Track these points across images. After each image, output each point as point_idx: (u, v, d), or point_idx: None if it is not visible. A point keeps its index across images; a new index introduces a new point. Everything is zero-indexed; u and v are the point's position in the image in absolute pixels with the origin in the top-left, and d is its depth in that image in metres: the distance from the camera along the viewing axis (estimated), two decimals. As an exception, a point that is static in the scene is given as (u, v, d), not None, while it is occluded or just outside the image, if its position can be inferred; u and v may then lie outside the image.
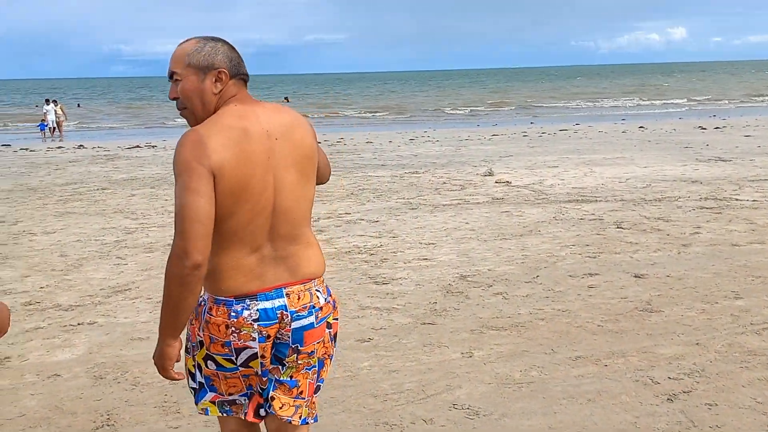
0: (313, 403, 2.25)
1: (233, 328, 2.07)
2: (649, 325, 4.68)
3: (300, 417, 2.20)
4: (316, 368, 2.21)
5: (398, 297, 5.53)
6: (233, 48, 2.16)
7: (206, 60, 2.08)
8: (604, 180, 11.77)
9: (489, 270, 6.30)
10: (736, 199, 9.47)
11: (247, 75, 2.17)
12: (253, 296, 2.09)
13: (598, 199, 9.98)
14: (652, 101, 40.54)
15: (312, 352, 2.18)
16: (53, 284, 6.34)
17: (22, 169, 15.90)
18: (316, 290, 2.19)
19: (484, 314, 5.04)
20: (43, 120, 27.52)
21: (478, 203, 9.94)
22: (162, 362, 2.12)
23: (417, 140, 20.65)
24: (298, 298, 2.13)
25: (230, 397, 2.20)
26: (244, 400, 2.20)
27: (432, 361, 4.18)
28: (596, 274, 6.01)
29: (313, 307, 2.16)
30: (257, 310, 2.08)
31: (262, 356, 2.12)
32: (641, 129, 21.78)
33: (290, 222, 2.13)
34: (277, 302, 2.10)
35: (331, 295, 2.26)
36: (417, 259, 6.82)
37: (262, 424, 2.32)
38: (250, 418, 2.20)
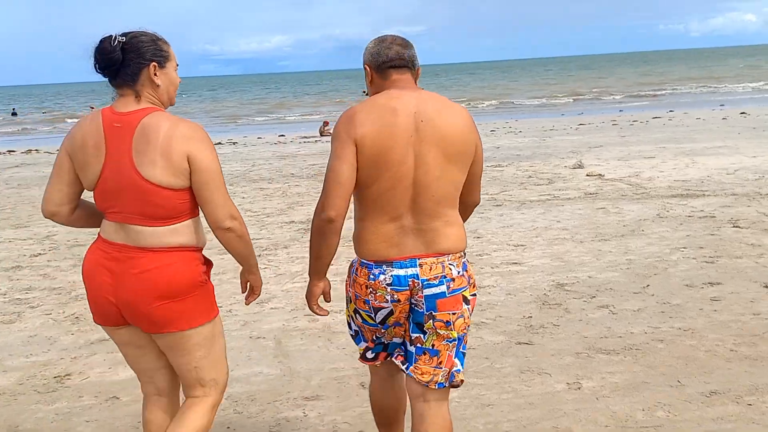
0: (458, 375, 2.39)
1: (371, 289, 2.33)
2: (797, 351, 3.88)
3: (435, 383, 2.37)
4: (456, 342, 2.35)
5: (487, 309, 4.90)
6: (384, 41, 2.40)
7: (363, 60, 2.44)
8: (709, 171, 10.69)
9: (589, 277, 5.57)
10: None
11: (396, 61, 2.36)
12: (390, 263, 2.29)
13: (705, 193, 8.99)
14: (745, 84, 37.90)
15: (449, 322, 2.32)
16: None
17: None
18: (450, 263, 2.32)
19: (590, 333, 4.35)
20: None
21: (570, 199, 9.13)
22: (308, 298, 2.48)
23: (498, 131, 19.81)
24: (430, 269, 2.30)
25: (376, 347, 2.51)
26: (377, 352, 2.50)
27: (533, 393, 3.54)
28: (718, 284, 5.18)
29: (445, 277, 2.30)
30: (391, 275, 2.29)
31: (393, 313, 2.35)
32: (743, 115, 20.14)
33: (430, 198, 2.28)
34: (410, 270, 2.28)
35: (467, 271, 2.38)
36: (506, 263, 6.15)
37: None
38: (381, 360, 2.52)
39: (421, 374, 2.36)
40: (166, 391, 2.52)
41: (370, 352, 2.52)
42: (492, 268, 6.01)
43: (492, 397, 3.51)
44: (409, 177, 2.27)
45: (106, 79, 2.29)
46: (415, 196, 2.29)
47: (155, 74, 2.28)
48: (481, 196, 2.63)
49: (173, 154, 2.19)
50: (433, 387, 2.36)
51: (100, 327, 2.48)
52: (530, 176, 11.49)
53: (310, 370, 3.94)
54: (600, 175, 10.99)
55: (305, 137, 20.43)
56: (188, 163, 2.20)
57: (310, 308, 2.50)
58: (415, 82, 2.41)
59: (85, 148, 2.26)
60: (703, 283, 5.22)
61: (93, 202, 2.39)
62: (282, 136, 21.77)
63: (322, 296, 2.50)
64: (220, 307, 5.45)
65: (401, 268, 2.30)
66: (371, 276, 2.33)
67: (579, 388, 3.56)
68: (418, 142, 2.27)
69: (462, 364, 2.40)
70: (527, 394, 3.53)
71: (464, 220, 2.47)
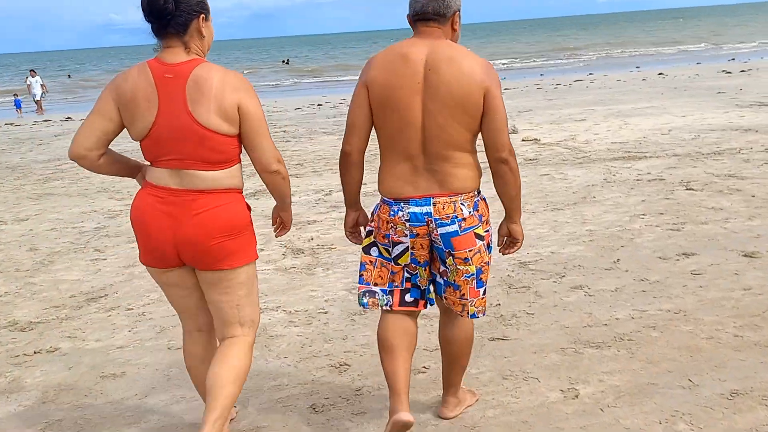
0: (482, 301, 2.58)
1: (391, 224, 2.50)
2: (804, 332, 3.39)
3: (468, 313, 2.57)
4: (475, 276, 2.50)
5: (447, 296, 4.23)
6: None
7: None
8: (644, 132, 10.37)
9: (552, 253, 4.98)
10: (810, 149, 8.11)
11: (424, 14, 2.42)
12: (407, 200, 2.45)
13: (646, 154, 8.61)
14: (659, 49, 38.69)
15: (467, 258, 2.46)
16: (14, 291, 5.04)
17: (3, 146, 14.51)
18: (461, 203, 2.43)
19: (570, 321, 3.74)
20: (16, 95, 25.87)
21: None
22: (345, 225, 2.71)
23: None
24: (443, 208, 2.43)
25: (372, 288, 2.58)
26: (384, 295, 2.57)
27: (524, 407, 2.88)
28: (693, 254, 4.68)
29: (456, 217, 2.43)
30: (408, 212, 2.45)
31: (413, 248, 2.50)
32: (661, 76, 20.22)
33: (439, 143, 2.39)
34: (425, 209, 2.43)
35: (477, 210, 2.48)
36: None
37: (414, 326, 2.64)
38: (397, 307, 2.57)
39: (452, 304, 2.58)
40: (206, 327, 2.63)
41: (409, 294, 2.59)
42: (443, 246, 5.33)
43: (476, 416, 2.83)
44: (417, 122, 2.38)
45: (151, 31, 2.34)
46: (424, 139, 2.40)
47: (203, 25, 2.36)
48: None
49: (225, 103, 2.28)
50: (466, 316, 2.59)
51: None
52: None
53: (247, 392, 3.15)
54: (536, 139, 10.50)
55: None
56: (238, 111, 2.30)
57: (346, 235, 2.73)
58: (453, 32, 2.48)
59: (135, 100, 2.30)
60: (677, 254, 4.72)
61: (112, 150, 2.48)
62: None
63: (361, 228, 2.70)
64: (131, 309, 4.75)
65: (417, 205, 2.43)
66: (391, 212, 2.48)
67: (577, 397, 2.92)
68: (425, 90, 2.36)
69: (484, 294, 2.60)
70: (517, 408, 2.87)
71: (499, 184, 2.49)
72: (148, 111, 2.30)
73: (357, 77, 2.56)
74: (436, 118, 2.36)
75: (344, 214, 2.69)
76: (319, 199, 7.40)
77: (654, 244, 4.97)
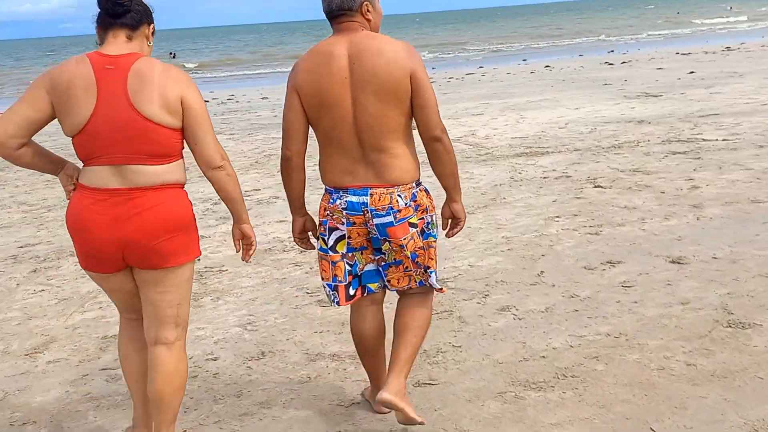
0: (425, 274, 2.58)
1: (329, 212, 2.52)
2: (760, 354, 3.04)
3: (416, 282, 2.59)
4: (410, 258, 2.52)
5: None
6: None
7: None
8: (541, 127, 10.19)
9: (470, 266, 4.50)
10: (704, 139, 8.11)
11: (337, 13, 2.44)
12: (345, 189, 2.46)
13: (548, 150, 8.37)
14: (535, 43, 39.75)
15: (402, 245, 2.49)
16: None
17: None
18: (398, 195, 2.45)
19: (502, 353, 3.23)
20: None
21: None
22: (292, 231, 2.69)
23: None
24: (379, 199, 2.45)
25: (323, 283, 2.61)
26: (330, 290, 2.58)
27: (466, 483, 2.32)
28: (619, 262, 4.32)
29: (392, 208, 2.45)
30: (346, 201, 2.47)
31: (349, 237, 2.50)
32: (548, 68, 20.49)
33: (373, 133, 2.41)
34: (362, 198, 2.45)
35: (414, 201, 2.50)
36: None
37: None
38: (343, 302, 2.58)
39: (397, 282, 2.58)
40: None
41: (351, 287, 2.56)
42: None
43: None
44: (349, 116, 2.39)
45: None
46: (358, 132, 2.40)
47: (150, 36, 2.38)
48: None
49: (169, 95, 2.22)
50: (414, 286, 2.58)
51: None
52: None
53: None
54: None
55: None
56: (181, 104, 2.25)
57: (295, 242, 2.69)
58: (367, 22, 2.46)
59: (71, 90, 2.19)
60: (602, 262, 4.34)
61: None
62: None
63: (310, 233, 2.67)
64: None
65: (354, 195, 2.44)
66: (330, 200, 2.49)
67: (527, 463, 2.40)
68: (353, 84, 2.36)
69: (424, 271, 2.57)
70: (459, 485, 2.31)
71: (435, 163, 2.49)
72: (85, 103, 2.19)
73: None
74: (368, 109, 2.36)
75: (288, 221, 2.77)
76: (207, 210, 6.59)
77: (576, 252, 4.59)
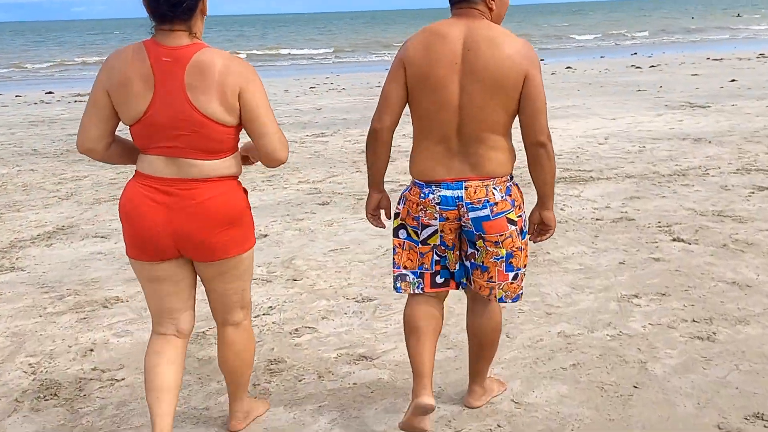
0: (511, 286, 2.41)
1: (422, 207, 2.35)
2: None
3: (496, 296, 2.43)
4: (504, 259, 2.35)
5: None
6: None
7: None
8: (576, 141, 8.32)
9: (515, 404, 2.67)
10: (792, 170, 6.23)
11: (455, 0, 2.30)
12: (438, 183, 2.30)
13: (592, 174, 6.51)
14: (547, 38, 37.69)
15: (497, 242, 2.32)
16: None
17: None
18: (494, 188, 2.29)
19: None
20: None
21: None
22: (366, 207, 2.55)
23: (318, 88, 16.58)
24: (475, 192, 2.28)
25: (403, 271, 2.43)
26: (415, 278, 2.43)
27: None
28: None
29: (488, 201, 2.28)
30: (439, 195, 2.30)
31: (442, 231, 2.35)
32: (570, 70, 18.59)
33: (475, 124, 2.24)
34: (456, 193, 2.29)
35: (510, 195, 2.32)
36: (356, 357, 3.11)
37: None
38: (428, 289, 2.43)
39: (479, 288, 2.42)
40: (183, 334, 2.38)
41: (439, 276, 2.43)
42: (342, 355, 2.93)
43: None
44: (453, 102, 2.25)
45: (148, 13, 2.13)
46: (460, 121, 2.26)
47: (205, 5, 2.21)
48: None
49: (227, 91, 2.11)
50: (494, 300, 2.44)
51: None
52: (362, 151, 8.49)
53: None
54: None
55: (80, 95, 15.73)
56: (240, 98, 2.13)
57: (367, 218, 2.55)
58: (493, 13, 2.32)
59: (129, 81, 2.11)
60: (746, 416, 2.50)
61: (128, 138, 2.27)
62: (50, 93, 16.61)
63: (383, 212, 2.53)
64: None
65: (448, 189, 2.29)
66: (422, 195, 2.33)
67: None
68: (463, 71, 2.23)
69: (514, 279, 2.41)
70: None
71: (535, 169, 2.32)
72: (142, 94, 2.09)
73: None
74: (474, 99, 2.22)
75: (365, 197, 2.67)
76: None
77: (689, 383, 2.74)
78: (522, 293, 2.45)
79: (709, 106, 10.57)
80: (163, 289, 2.28)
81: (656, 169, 6.60)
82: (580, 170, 6.74)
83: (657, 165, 6.79)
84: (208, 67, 2.07)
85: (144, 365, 2.33)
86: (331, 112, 12.16)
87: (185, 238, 2.16)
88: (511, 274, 2.38)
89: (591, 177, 6.44)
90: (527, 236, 2.42)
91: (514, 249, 2.34)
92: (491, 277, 2.37)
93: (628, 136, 8.46)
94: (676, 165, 6.73)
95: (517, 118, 2.28)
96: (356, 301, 3.77)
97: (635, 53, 23.76)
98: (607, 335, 3.18)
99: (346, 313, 3.62)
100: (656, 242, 4.48)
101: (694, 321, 3.27)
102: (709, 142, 7.80)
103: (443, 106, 2.24)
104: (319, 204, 5.98)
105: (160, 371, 2.27)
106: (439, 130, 2.27)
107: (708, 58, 19.29)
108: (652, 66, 17.95)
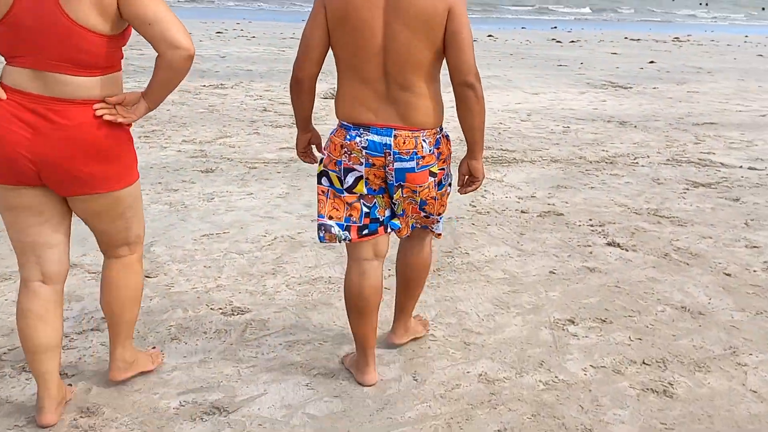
0: (426, 220, 2.37)
1: (346, 149, 2.20)
2: None
3: (415, 226, 2.39)
4: (417, 204, 2.29)
5: None
6: None
7: None
8: (497, 116, 7.63)
9: None
10: (723, 164, 5.75)
11: None
12: (367, 127, 2.17)
13: (515, 157, 5.81)
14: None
15: (415, 191, 2.25)
16: None
17: None
18: (423, 140, 2.19)
19: None
20: None
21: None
22: (296, 147, 2.45)
23: (226, 34, 15.15)
24: (404, 142, 2.17)
25: (328, 222, 2.28)
26: (340, 230, 2.27)
27: None
28: None
29: (416, 153, 2.19)
30: (367, 140, 2.17)
31: (367, 178, 2.21)
32: (491, 38, 17.94)
33: (400, 67, 2.11)
34: (385, 139, 2.16)
35: (438, 148, 2.23)
36: (206, 408, 2.22)
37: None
38: (356, 239, 2.29)
39: (399, 232, 2.36)
40: (52, 279, 2.04)
41: (366, 230, 2.29)
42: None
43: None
44: (377, 42, 2.11)
45: None
46: (386, 61, 2.13)
47: None
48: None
49: None
50: (405, 233, 2.37)
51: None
52: (265, 108, 7.46)
53: None
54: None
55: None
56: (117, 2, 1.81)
57: (299, 156, 2.46)
58: None
59: None
60: None
61: None
62: None
63: (314, 147, 2.45)
64: None
65: (377, 134, 2.18)
66: (348, 137, 2.20)
67: None
68: (386, 6, 2.08)
69: (426, 215, 2.36)
70: None
71: (464, 113, 2.18)
72: None
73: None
74: (399, 37, 2.08)
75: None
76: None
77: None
78: (442, 222, 2.45)
79: (630, 87, 10.16)
80: (23, 220, 1.96)
81: (583, 154, 5.99)
82: (502, 150, 6.03)
83: (583, 149, 6.18)
84: None
85: (17, 322, 2.04)
86: (235, 62, 10.94)
87: (48, 166, 1.86)
88: (423, 213, 2.34)
89: (514, 158, 5.75)
90: (446, 187, 2.35)
91: (428, 198, 2.29)
92: (407, 218, 2.34)
93: (552, 114, 7.84)
94: (603, 150, 6.14)
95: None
96: (222, 313, 2.87)
97: (555, 27, 23.45)
98: (540, 382, 2.44)
99: (205, 333, 2.72)
100: (589, 246, 3.81)
101: (644, 363, 2.59)
102: (635, 126, 7.29)
103: (367, 48, 2.11)
104: (202, 171, 4.97)
105: (30, 333, 2.00)
106: (364, 72, 2.14)
107: (626, 38, 19.16)
108: (572, 41, 17.60)
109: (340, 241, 2.29)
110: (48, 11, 1.77)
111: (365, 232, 2.28)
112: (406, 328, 2.61)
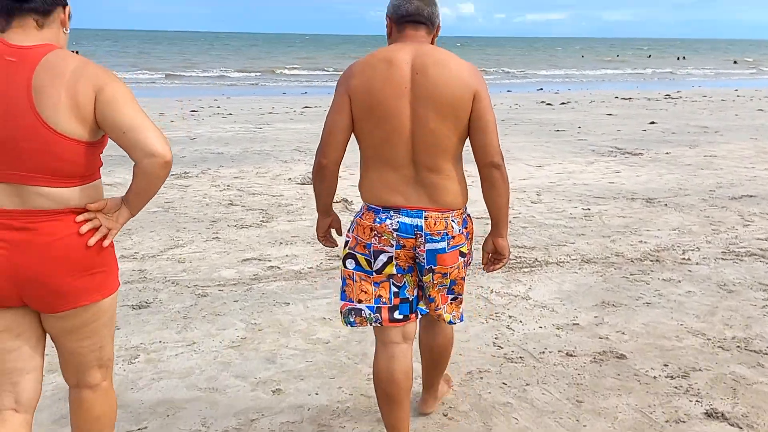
0: (452, 307, 2.31)
1: (375, 232, 2.17)
2: None
3: (446, 321, 2.32)
4: (447, 287, 2.25)
5: None
6: None
7: (388, 9, 2.21)
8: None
9: None
10: (793, 257, 4.56)
11: (413, 16, 2.15)
12: (397, 209, 2.15)
13: (535, 256, 4.60)
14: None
15: (446, 273, 2.22)
16: None
17: None
18: (452, 220, 2.18)
19: None
20: None
21: (298, 246, 4.14)
22: (316, 231, 2.41)
23: (202, 112, 14.13)
24: (435, 223, 2.16)
25: (357, 305, 2.22)
26: (371, 312, 2.22)
27: None
28: None
29: (447, 234, 2.18)
30: (398, 222, 2.15)
31: (397, 258, 2.17)
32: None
33: (428, 152, 2.11)
34: (416, 221, 2.15)
35: (466, 227, 2.24)
36: None
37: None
38: (387, 323, 2.23)
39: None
40: (25, 406, 1.87)
41: (397, 312, 2.23)
42: None
43: None
44: (405, 129, 2.10)
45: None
46: (413, 147, 2.12)
47: (68, 18, 1.83)
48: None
49: (80, 97, 1.68)
50: (443, 322, 2.34)
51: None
52: (231, 201, 6.25)
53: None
54: (345, 200, 6.18)
55: None
56: (96, 102, 1.70)
57: (319, 240, 2.42)
58: (433, 40, 2.22)
59: None
60: None
61: None
62: None
63: (333, 231, 2.42)
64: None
65: (408, 216, 2.15)
66: (377, 219, 2.17)
67: None
68: (412, 95, 2.09)
69: (453, 300, 2.31)
70: None
71: (490, 192, 2.18)
72: None
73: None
74: (427, 123, 2.08)
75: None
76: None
77: None
78: (463, 314, 2.38)
79: (640, 153, 9.09)
80: (1, 345, 1.79)
81: (618, 249, 4.78)
82: (519, 247, 4.82)
83: (616, 241, 4.98)
84: (60, 69, 1.66)
85: None
86: (206, 143, 9.82)
87: (30, 283, 1.71)
88: (451, 297, 2.29)
89: (536, 260, 4.53)
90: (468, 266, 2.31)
91: (458, 279, 2.26)
92: (437, 306, 2.27)
93: (565, 193, 6.69)
94: (642, 242, 4.94)
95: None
96: None
97: (541, 89, 22.75)
98: None
99: None
100: (683, 420, 2.54)
101: None
102: (665, 205, 6.13)
103: (395, 135, 2.10)
104: (133, 307, 3.70)
105: None
106: (392, 158, 2.12)
107: (616, 97, 18.37)
108: (563, 103, 16.74)
109: (370, 324, 2.22)
110: (24, 120, 1.64)
111: (396, 315, 2.22)
112: (435, 397, 2.62)
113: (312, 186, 2.28)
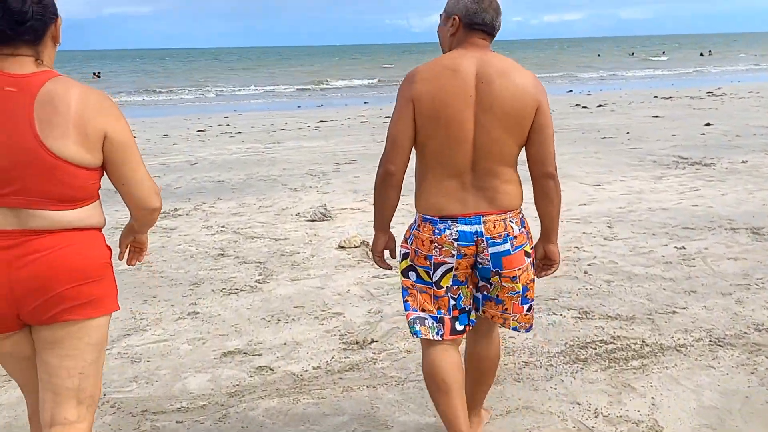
0: (526, 318, 2.24)
1: (436, 244, 2.12)
2: None
3: (509, 326, 2.24)
4: (520, 293, 2.19)
5: None
6: (483, 1, 2.10)
7: (450, 8, 2.14)
8: (566, 234, 4.98)
9: None
10: None
11: (488, 26, 2.10)
12: (455, 219, 2.11)
13: (642, 336, 3.15)
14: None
15: (515, 277, 2.16)
16: None
17: None
18: (511, 221, 2.14)
19: None
20: None
21: (302, 324, 2.74)
22: (372, 251, 2.28)
23: (209, 132, 12.83)
24: (494, 226, 2.12)
25: (422, 314, 2.19)
26: (434, 322, 2.18)
27: None
28: None
29: (508, 235, 2.13)
30: (457, 231, 2.10)
31: (456, 269, 2.14)
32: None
33: (490, 159, 2.09)
34: (475, 227, 2.10)
35: (525, 227, 2.18)
36: None
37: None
38: (448, 336, 2.19)
39: (492, 317, 2.25)
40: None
41: (458, 323, 2.20)
42: None
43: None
44: (468, 137, 2.06)
45: None
46: (474, 154, 2.08)
47: (58, 30, 1.78)
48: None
49: (88, 129, 1.67)
50: (507, 328, 2.25)
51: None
52: (222, 252, 4.86)
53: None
54: (364, 243, 4.78)
55: None
56: (105, 139, 1.70)
57: (374, 261, 2.33)
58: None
59: None
60: None
61: None
62: None
63: (388, 252, 2.30)
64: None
65: (466, 224, 2.10)
66: (436, 231, 2.12)
67: None
68: (476, 104, 2.05)
69: (528, 311, 2.24)
70: None
71: (543, 201, 2.13)
72: None
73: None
74: (490, 131, 2.05)
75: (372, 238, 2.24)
76: None
77: None
78: (533, 324, 2.28)
79: (713, 164, 7.55)
80: (12, 365, 1.81)
81: (756, 318, 3.30)
82: (612, 318, 3.36)
83: (744, 303, 3.49)
84: (63, 99, 1.63)
85: None
86: (206, 170, 8.47)
87: (28, 298, 1.66)
88: (526, 307, 2.22)
89: (645, 345, 3.07)
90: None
91: (528, 282, 2.19)
92: (506, 309, 2.20)
93: (642, 222, 5.20)
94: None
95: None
96: None
97: (570, 90, 21.14)
98: None
99: None
100: None
101: None
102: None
103: (457, 141, 2.05)
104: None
105: None
106: (453, 165, 2.08)
107: (656, 96, 16.74)
108: (600, 105, 15.16)
109: (432, 336, 2.16)
110: (27, 148, 1.61)
111: (458, 327, 2.18)
112: (480, 419, 2.47)
113: (372, 200, 2.20)
